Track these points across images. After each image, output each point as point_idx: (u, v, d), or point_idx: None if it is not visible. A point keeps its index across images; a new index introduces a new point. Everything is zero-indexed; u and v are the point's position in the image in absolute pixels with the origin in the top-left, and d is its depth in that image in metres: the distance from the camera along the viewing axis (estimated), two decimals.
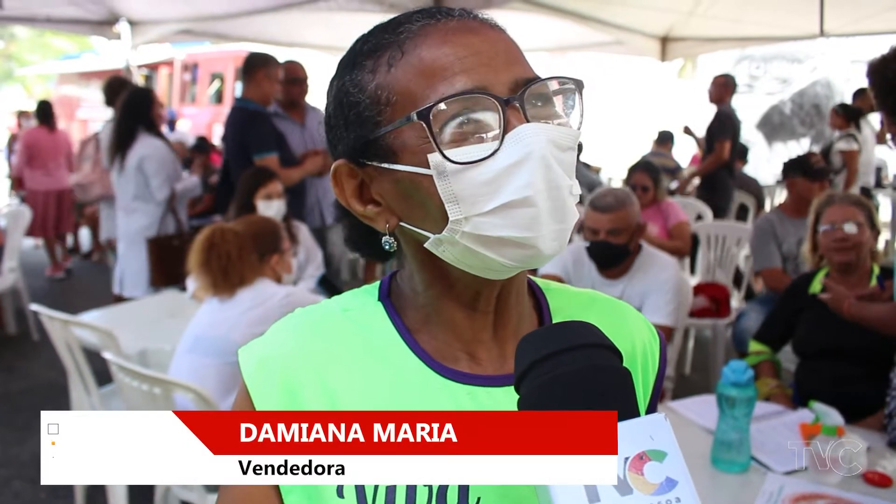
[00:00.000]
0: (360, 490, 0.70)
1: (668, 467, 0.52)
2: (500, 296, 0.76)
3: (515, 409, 0.70)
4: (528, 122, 0.66)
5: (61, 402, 3.69)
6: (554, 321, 0.82)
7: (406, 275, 0.79)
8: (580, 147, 0.72)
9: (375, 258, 0.82)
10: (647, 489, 0.51)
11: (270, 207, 3.45)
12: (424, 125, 0.66)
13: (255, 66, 4.17)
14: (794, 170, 3.93)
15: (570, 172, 0.69)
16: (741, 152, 6.43)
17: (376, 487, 0.70)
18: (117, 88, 5.01)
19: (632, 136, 12.94)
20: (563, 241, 0.69)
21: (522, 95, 0.67)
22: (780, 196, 8.61)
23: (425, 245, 0.71)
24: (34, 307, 2.90)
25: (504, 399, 0.75)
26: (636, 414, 0.56)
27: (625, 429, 0.54)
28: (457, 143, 0.66)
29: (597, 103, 15.77)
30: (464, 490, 0.71)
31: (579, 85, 0.72)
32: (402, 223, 0.73)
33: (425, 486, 0.70)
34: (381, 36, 0.71)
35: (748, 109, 11.26)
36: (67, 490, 3.23)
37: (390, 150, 0.70)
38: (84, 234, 8.46)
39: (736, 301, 4.59)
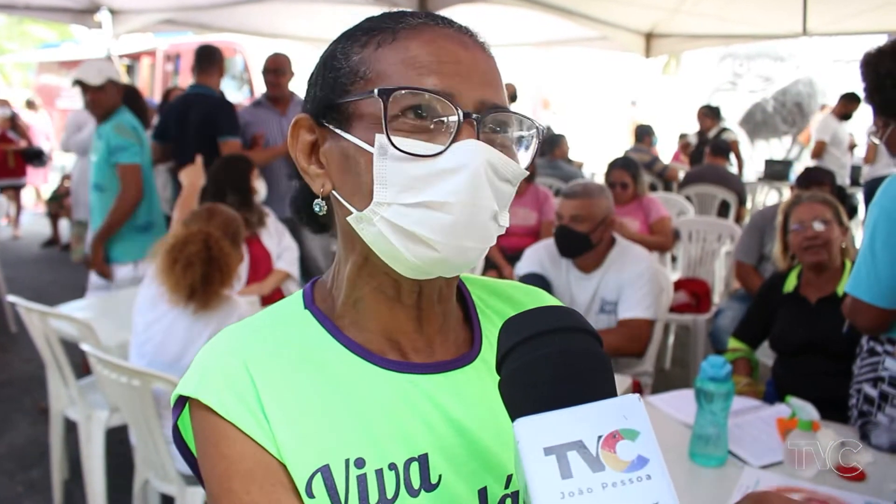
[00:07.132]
0: (331, 488, 0.69)
1: (640, 446, 0.53)
2: (421, 292, 0.78)
3: (460, 392, 0.77)
4: (478, 139, 0.69)
5: (40, 394, 3.66)
6: (478, 311, 0.85)
7: (333, 271, 0.82)
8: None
9: (309, 226, 0.86)
10: (619, 466, 0.52)
11: (263, 186, 3.58)
12: (381, 102, 0.68)
13: (211, 57, 4.41)
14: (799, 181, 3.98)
15: (501, 201, 0.72)
16: (722, 150, 6.48)
17: (347, 482, 0.70)
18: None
19: (616, 132, 12.98)
20: (472, 261, 0.72)
21: (483, 116, 0.70)
22: (762, 193, 8.69)
23: (347, 219, 0.74)
24: (11, 298, 2.87)
25: (445, 383, 0.77)
26: (613, 395, 0.57)
27: (599, 408, 0.55)
28: (407, 133, 0.69)
29: (581, 98, 15.81)
30: (424, 467, 0.72)
31: (539, 130, 0.76)
32: (334, 191, 0.76)
33: (391, 469, 0.71)
34: (384, 20, 0.75)
35: (731, 107, 11.34)
36: (45, 484, 3.21)
37: (347, 118, 0.73)
38: (63, 224, 8.37)
39: (717, 296, 4.62)
